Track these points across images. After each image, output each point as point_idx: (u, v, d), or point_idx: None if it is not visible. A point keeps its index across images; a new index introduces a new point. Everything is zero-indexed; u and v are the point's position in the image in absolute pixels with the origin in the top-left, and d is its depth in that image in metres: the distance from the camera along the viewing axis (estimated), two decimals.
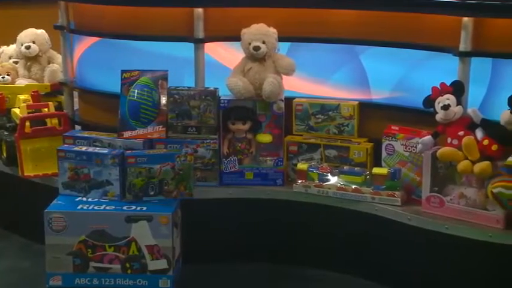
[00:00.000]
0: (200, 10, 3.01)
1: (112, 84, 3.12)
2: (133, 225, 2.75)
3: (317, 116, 3.02)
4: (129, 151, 2.88)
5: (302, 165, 2.93)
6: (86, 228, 2.76)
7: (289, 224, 2.99)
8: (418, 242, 2.70)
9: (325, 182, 2.87)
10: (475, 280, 2.61)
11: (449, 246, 2.61)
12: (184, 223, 2.92)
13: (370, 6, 2.86)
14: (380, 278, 2.87)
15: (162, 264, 2.77)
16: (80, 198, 2.88)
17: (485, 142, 2.54)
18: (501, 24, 2.63)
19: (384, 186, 2.77)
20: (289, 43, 3.07)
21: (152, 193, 2.85)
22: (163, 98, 2.99)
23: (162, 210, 2.77)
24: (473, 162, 2.53)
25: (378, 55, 2.95)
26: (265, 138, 2.99)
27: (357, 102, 2.98)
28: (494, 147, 2.51)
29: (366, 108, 2.99)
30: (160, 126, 2.97)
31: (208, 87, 3.03)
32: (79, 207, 2.81)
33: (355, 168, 2.89)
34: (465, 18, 2.65)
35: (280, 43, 2.98)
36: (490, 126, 2.59)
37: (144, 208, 2.79)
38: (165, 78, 3.00)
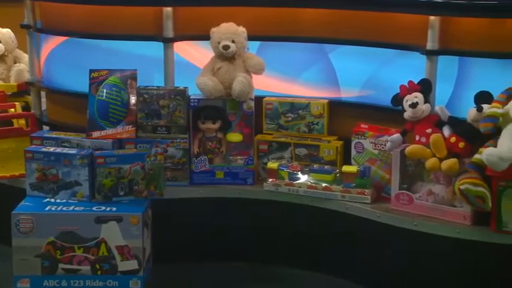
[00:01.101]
0: (169, 9, 3.00)
1: (80, 83, 3.08)
2: (103, 226, 2.73)
3: (287, 115, 3.03)
4: (98, 151, 2.85)
5: (272, 164, 2.93)
6: (55, 230, 2.73)
7: (260, 223, 2.99)
8: (387, 239, 2.72)
9: (295, 180, 2.88)
10: (443, 276, 2.64)
11: (419, 242, 2.64)
12: (155, 223, 2.90)
13: (339, 5, 2.88)
14: (351, 275, 2.89)
15: (132, 264, 2.75)
16: (48, 199, 2.84)
17: (453, 139, 2.57)
18: (467, 23, 2.67)
19: (354, 184, 2.79)
20: (258, 42, 3.07)
21: (122, 193, 2.83)
22: (133, 98, 2.97)
23: (132, 211, 2.75)
24: (441, 160, 2.55)
25: (347, 54, 2.97)
26: (235, 137, 2.99)
27: (326, 101, 3.00)
28: (461, 144, 2.54)
29: (336, 106, 3.01)
30: (130, 126, 2.95)
31: (178, 87, 3.01)
32: (47, 208, 2.77)
33: (325, 167, 2.90)
34: (432, 17, 2.68)
35: (249, 42, 2.98)
36: (457, 124, 2.62)
37: (114, 209, 2.77)
38: (134, 77, 2.98)
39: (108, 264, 2.74)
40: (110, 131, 2.93)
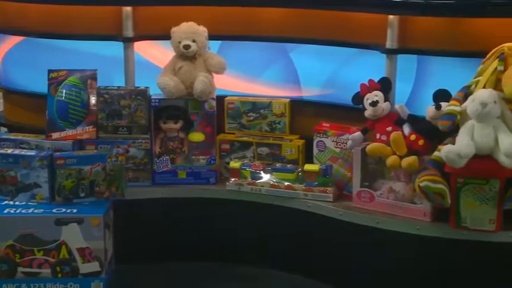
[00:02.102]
0: (129, 8, 2.98)
1: (39, 84, 3.04)
2: (64, 228, 2.70)
3: (249, 114, 3.03)
4: (58, 152, 2.82)
5: (235, 164, 2.93)
6: (14, 233, 2.69)
7: (223, 223, 2.99)
8: (350, 237, 2.74)
9: (258, 179, 2.88)
10: (405, 272, 2.67)
11: (380, 239, 2.66)
12: (117, 224, 2.87)
13: (299, 5, 2.89)
14: (314, 273, 2.91)
15: (94, 267, 2.72)
16: (6, 202, 2.80)
17: (412, 137, 2.60)
18: (425, 22, 2.70)
19: (316, 183, 2.81)
20: (219, 41, 3.06)
21: (83, 195, 2.80)
22: (93, 98, 2.94)
23: (93, 212, 2.73)
24: (401, 157, 2.58)
25: (307, 53, 2.98)
26: (197, 137, 2.98)
27: (288, 100, 3.01)
28: (420, 142, 2.58)
29: (297, 105, 3.02)
30: (90, 127, 2.92)
31: (138, 87, 2.99)
32: (6, 211, 2.73)
33: (288, 166, 2.91)
34: (391, 16, 2.71)
35: (210, 41, 2.97)
36: (417, 122, 2.65)
37: (75, 210, 2.74)
38: (94, 77, 2.95)
39: (69, 266, 2.71)
40: (69, 132, 2.90)
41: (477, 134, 2.40)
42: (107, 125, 2.93)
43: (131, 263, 2.93)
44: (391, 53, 2.74)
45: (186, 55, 2.92)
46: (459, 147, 2.38)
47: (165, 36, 2.95)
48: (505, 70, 2.39)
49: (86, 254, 2.71)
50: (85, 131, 2.91)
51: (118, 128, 2.93)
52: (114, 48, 3.02)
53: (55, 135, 2.89)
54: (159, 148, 2.97)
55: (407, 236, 2.59)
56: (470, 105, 2.40)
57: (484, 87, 2.42)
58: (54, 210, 2.73)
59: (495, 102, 2.37)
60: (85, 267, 2.72)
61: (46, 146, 2.86)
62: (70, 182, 2.78)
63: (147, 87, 2.96)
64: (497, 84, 2.41)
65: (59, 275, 2.71)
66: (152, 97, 2.94)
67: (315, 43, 2.92)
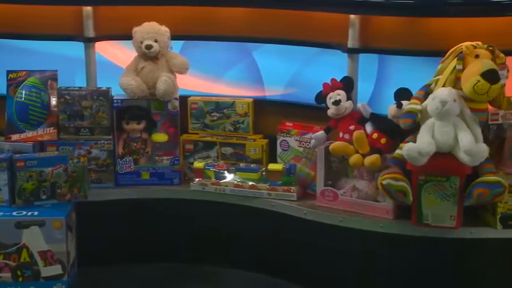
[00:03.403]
0: (89, 8, 2.95)
1: None
2: (24, 231, 2.66)
3: (212, 114, 3.02)
4: (18, 154, 2.77)
5: (199, 164, 2.92)
6: None
7: (188, 223, 2.98)
8: (314, 236, 2.75)
9: (222, 179, 2.88)
10: (369, 269, 2.69)
11: (345, 238, 2.68)
12: (80, 226, 2.84)
13: (261, 4, 2.89)
14: (279, 272, 2.91)
15: (56, 270, 2.69)
16: None
17: (375, 136, 2.62)
18: (386, 21, 2.73)
19: (280, 182, 2.81)
20: (182, 41, 3.05)
21: (44, 197, 2.76)
22: (53, 99, 2.90)
23: (54, 215, 2.69)
24: (364, 156, 2.60)
25: (270, 52, 2.99)
26: (160, 137, 2.96)
27: (251, 100, 3.01)
28: (383, 140, 2.60)
29: (261, 105, 3.02)
30: (51, 128, 2.89)
31: (100, 87, 2.97)
32: None
33: (251, 165, 2.91)
34: (352, 16, 2.73)
35: (173, 41, 2.96)
36: (379, 120, 2.67)
37: (36, 213, 2.70)
38: (54, 78, 2.92)
39: (30, 270, 2.67)
40: (30, 134, 2.86)
41: (437, 131, 2.42)
42: (68, 126, 2.90)
43: (95, 266, 2.90)
44: (352, 52, 2.76)
45: (148, 55, 2.90)
46: (420, 145, 2.40)
47: (127, 36, 2.93)
48: (463, 69, 2.43)
49: (47, 257, 2.67)
50: (46, 133, 2.87)
51: (80, 129, 2.90)
52: (75, 49, 2.99)
53: (14, 136, 2.85)
54: (122, 149, 2.95)
55: (371, 233, 2.60)
56: (431, 103, 2.43)
57: (443, 86, 2.45)
58: (14, 213, 2.69)
59: (455, 100, 2.40)
60: (47, 271, 2.68)
61: (5, 148, 2.82)
62: (31, 185, 2.74)
63: (109, 88, 2.94)
64: (456, 83, 2.44)
65: (20, 279, 2.67)
66: (114, 98, 2.92)
67: (278, 43, 2.93)
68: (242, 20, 2.96)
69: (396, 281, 2.67)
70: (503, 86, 2.44)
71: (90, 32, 2.97)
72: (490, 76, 2.36)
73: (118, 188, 2.94)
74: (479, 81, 2.36)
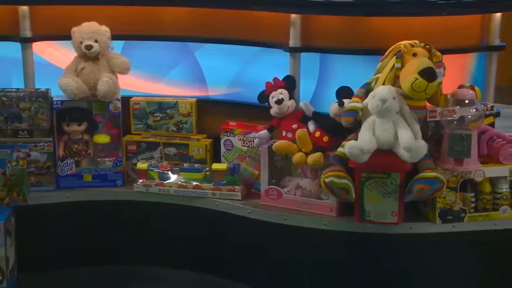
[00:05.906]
0: (25, 8, 2.89)
1: None
2: None
3: (155, 114, 3.00)
4: None
5: (142, 165, 2.90)
6: None
7: (132, 225, 2.95)
8: (260, 234, 2.76)
9: (166, 180, 2.86)
10: (314, 267, 2.71)
11: (289, 236, 2.69)
12: (19, 230, 2.78)
13: (201, 4, 2.88)
14: (226, 272, 2.91)
15: None
16: None
17: (317, 134, 2.64)
18: (327, 20, 2.76)
19: (224, 182, 2.81)
20: (123, 41, 3.02)
21: None
22: None
23: None
24: (307, 154, 2.62)
25: (212, 52, 2.99)
26: (102, 138, 2.92)
27: (194, 99, 3.00)
28: (325, 138, 2.63)
29: (204, 105, 3.02)
30: None
31: (39, 88, 2.91)
32: None
33: (195, 165, 2.90)
34: (293, 15, 2.75)
35: (114, 41, 2.92)
36: (321, 119, 2.71)
37: None
38: None
39: None
40: None
41: (378, 129, 2.46)
42: (6, 129, 2.84)
43: (36, 271, 2.84)
44: (294, 51, 2.78)
45: (88, 55, 2.86)
46: (361, 143, 2.44)
47: (65, 36, 2.88)
48: (402, 67, 2.47)
49: None
50: None
51: (18, 132, 2.84)
52: (12, 49, 2.92)
53: None
54: (63, 151, 2.90)
55: (315, 231, 2.63)
56: (371, 101, 2.47)
57: (383, 84, 2.50)
58: None
59: (394, 98, 2.45)
60: None
61: None
62: None
63: (48, 89, 2.88)
64: (395, 81, 2.49)
65: None
66: (54, 99, 2.86)
67: (220, 42, 2.93)
68: (184, 20, 2.95)
69: (341, 278, 2.70)
70: (440, 83, 2.51)
71: (27, 32, 2.91)
72: (428, 74, 2.41)
73: (59, 190, 2.89)
74: (417, 79, 2.41)
